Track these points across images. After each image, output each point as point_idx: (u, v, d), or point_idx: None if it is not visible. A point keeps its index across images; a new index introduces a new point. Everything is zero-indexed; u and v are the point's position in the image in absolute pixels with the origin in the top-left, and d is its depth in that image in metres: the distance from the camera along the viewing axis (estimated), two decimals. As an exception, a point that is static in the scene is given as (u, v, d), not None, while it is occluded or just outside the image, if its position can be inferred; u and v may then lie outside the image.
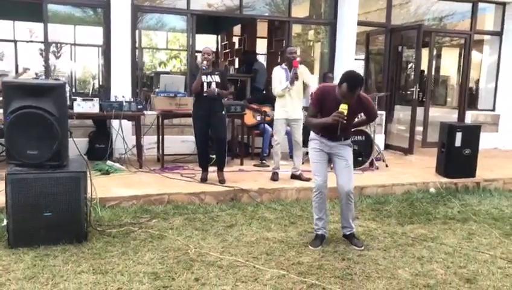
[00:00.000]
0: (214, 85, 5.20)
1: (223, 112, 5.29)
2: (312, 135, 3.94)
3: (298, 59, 5.63)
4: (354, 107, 3.65)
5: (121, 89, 6.53)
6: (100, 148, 6.41)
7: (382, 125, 8.54)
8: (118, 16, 6.58)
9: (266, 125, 6.92)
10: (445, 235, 4.31)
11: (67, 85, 3.61)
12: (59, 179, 3.51)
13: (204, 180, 5.35)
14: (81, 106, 5.73)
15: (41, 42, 11.58)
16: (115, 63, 6.71)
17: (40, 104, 3.45)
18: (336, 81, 4.30)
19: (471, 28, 8.91)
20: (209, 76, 5.20)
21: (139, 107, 5.99)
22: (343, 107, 3.48)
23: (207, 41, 15.26)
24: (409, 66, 9.32)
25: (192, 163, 6.32)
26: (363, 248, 3.78)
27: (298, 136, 5.58)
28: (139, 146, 6.09)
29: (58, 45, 12.76)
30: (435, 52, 10.58)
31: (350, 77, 3.51)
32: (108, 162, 5.83)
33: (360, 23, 8.08)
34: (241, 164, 6.51)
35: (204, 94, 5.20)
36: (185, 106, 6.09)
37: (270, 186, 5.27)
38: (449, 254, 3.80)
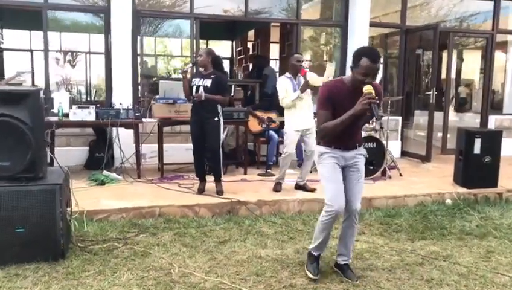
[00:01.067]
0: (201, 89, 4.88)
1: (216, 119, 4.95)
2: (322, 148, 3.22)
3: (306, 67, 5.24)
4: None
5: (122, 96, 6.34)
6: (100, 157, 6.18)
7: (398, 131, 8.10)
8: (118, 21, 6.40)
9: (272, 132, 6.60)
10: (460, 253, 3.89)
11: (41, 92, 3.37)
12: (32, 192, 3.27)
13: (201, 191, 5.06)
14: (76, 114, 5.55)
15: (57, 51, 11.69)
16: (115, 70, 6.53)
17: (12, 112, 3.22)
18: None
19: (493, 28, 8.40)
20: (200, 79, 4.91)
21: (136, 114, 5.76)
22: (368, 88, 2.87)
23: (222, 48, 15.14)
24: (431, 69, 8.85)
25: (194, 172, 6.06)
26: (357, 281, 3.23)
27: (311, 146, 5.13)
28: (137, 155, 5.85)
29: (74, 53, 12.82)
30: (456, 54, 10.12)
31: (366, 50, 2.97)
32: (105, 172, 5.61)
33: (372, 24, 7.70)
34: (245, 173, 6.20)
35: (194, 98, 4.91)
36: (184, 112, 5.81)
37: (270, 197, 4.93)
38: (462, 276, 3.39)
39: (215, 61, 4.97)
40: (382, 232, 4.40)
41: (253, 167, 6.60)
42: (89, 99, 10.44)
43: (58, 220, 3.34)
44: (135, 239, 3.95)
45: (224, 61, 14.30)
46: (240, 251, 3.79)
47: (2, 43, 11.61)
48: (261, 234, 4.21)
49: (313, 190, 5.22)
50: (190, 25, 6.97)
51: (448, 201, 5.33)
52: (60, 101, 5.87)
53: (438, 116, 8.11)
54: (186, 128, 6.57)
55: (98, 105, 6.29)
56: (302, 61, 5.11)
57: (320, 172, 3.26)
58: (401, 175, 6.31)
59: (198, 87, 4.87)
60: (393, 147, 7.87)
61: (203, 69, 4.89)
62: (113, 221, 4.32)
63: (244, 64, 12.47)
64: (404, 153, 8.07)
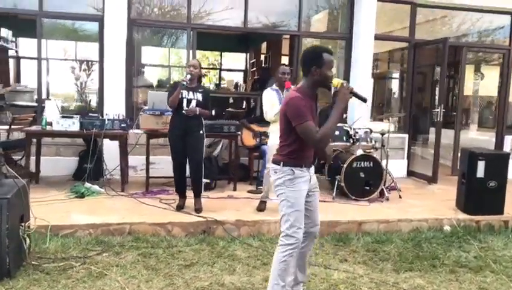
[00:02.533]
0: (194, 103, 4.69)
1: (201, 132, 4.75)
2: (287, 170, 2.83)
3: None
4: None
5: (114, 106, 6.20)
6: (88, 168, 6.04)
7: (404, 149, 7.69)
8: (111, 30, 6.29)
9: (265, 147, 6.31)
10: (448, 288, 3.51)
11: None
12: (-25, 207, 3.08)
13: (180, 208, 4.81)
14: (60, 124, 5.42)
15: (73, 60, 11.76)
16: (107, 79, 6.40)
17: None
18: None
19: (510, 43, 7.95)
20: (191, 92, 4.70)
21: (122, 125, 5.58)
22: (338, 80, 2.77)
23: (236, 59, 15.02)
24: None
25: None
26: None
27: None
28: (122, 167, 5.67)
29: (89, 62, 12.89)
30: (472, 70, 9.65)
31: (322, 47, 2.98)
32: (87, 184, 5.42)
33: (379, 38, 7.37)
34: (234, 189, 5.93)
35: (184, 112, 4.69)
36: (172, 125, 5.60)
37: (250, 217, 4.63)
38: (444, 317, 3.02)
39: (201, 74, 4.81)
40: (367, 260, 4.04)
41: (246, 182, 6.33)
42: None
43: (4, 237, 3.13)
44: (95, 258, 3.72)
45: (238, 73, 14.27)
46: (203, 276, 3.50)
47: (17, 51, 11.75)
48: (232, 258, 3.92)
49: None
50: (187, 36, 6.79)
51: (447, 228, 4.92)
52: (51, 109, 5.80)
53: (450, 134, 7.71)
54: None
55: (94, 114, 6.14)
56: (288, 74, 4.83)
57: (286, 196, 2.86)
58: (400, 197, 5.91)
59: (189, 100, 4.66)
60: (398, 167, 7.49)
61: (188, 82, 4.66)
62: (79, 237, 4.11)
63: (256, 77, 12.34)
64: (410, 173, 7.65)
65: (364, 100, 2.84)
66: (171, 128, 4.83)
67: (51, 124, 5.49)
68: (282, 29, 7.49)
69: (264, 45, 12.31)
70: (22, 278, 3.25)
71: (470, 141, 8.57)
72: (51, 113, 5.64)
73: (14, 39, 11.42)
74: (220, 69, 15.13)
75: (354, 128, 5.98)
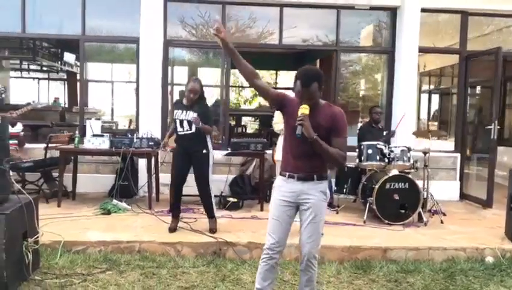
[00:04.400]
0: (186, 123, 4.56)
1: (205, 151, 4.59)
2: (278, 178, 2.98)
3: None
4: (324, 121, 2.76)
5: (149, 126, 6.34)
6: (124, 185, 6.15)
7: (456, 169, 7.05)
8: (147, 51, 6.47)
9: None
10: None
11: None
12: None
13: (173, 230, 4.63)
14: (91, 142, 5.61)
15: (134, 82, 12.38)
16: (142, 99, 6.56)
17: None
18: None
19: None
20: (184, 112, 4.56)
21: (150, 144, 5.65)
22: (304, 107, 2.68)
23: (291, 79, 14.92)
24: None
25: None
26: None
27: None
28: (149, 185, 5.72)
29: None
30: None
31: (301, 72, 2.75)
32: (114, 201, 5.53)
33: (424, 50, 6.91)
34: (261, 209, 5.74)
35: (179, 133, 4.61)
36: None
37: (264, 240, 4.39)
38: None
39: (202, 91, 4.64)
40: (384, 292, 3.66)
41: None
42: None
43: (1, 252, 3.21)
44: (98, 276, 3.71)
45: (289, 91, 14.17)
46: (198, 300, 3.35)
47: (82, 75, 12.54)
48: (237, 282, 3.73)
49: (319, 234, 4.60)
50: (221, 55, 6.80)
51: (489, 259, 4.35)
52: (93, 128, 6.07)
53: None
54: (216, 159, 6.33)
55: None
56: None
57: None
58: (442, 222, 5.37)
59: (181, 121, 4.57)
60: (450, 189, 6.89)
61: (185, 101, 4.59)
62: (89, 254, 4.14)
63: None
64: (464, 196, 6.98)
65: (296, 136, 2.69)
66: (176, 147, 4.78)
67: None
68: (317, 45, 7.25)
69: (318, 62, 12.11)
70: (19, 293, 3.31)
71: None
72: (92, 132, 5.89)
73: (77, 63, 12.26)
74: (276, 88, 15.13)
75: (389, 147, 5.57)
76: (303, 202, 2.87)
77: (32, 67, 13.24)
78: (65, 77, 13.65)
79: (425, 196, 5.51)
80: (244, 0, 6.72)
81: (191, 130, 4.56)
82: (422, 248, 4.39)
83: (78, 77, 11.44)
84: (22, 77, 13.76)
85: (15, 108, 6.17)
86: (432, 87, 11.56)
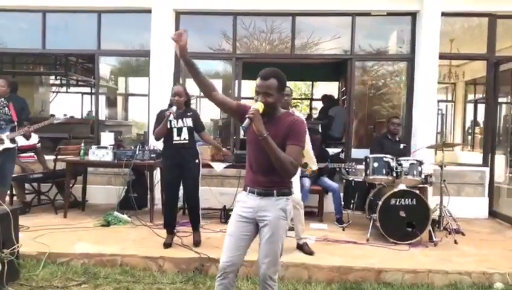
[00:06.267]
0: (185, 130, 4.51)
1: (197, 161, 4.54)
2: (241, 193, 2.83)
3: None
4: (282, 128, 2.59)
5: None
6: (134, 197, 6.20)
7: (484, 185, 6.49)
8: (158, 64, 6.52)
9: (305, 178, 5.83)
10: None
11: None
12: None
13: (168, 245, 4.50)
14: (95, 154, 5.68)
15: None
16: (153, 112, 6.58)
17: None
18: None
19: None
20: (180, 119, 4.50)
21: (151, 156, 5.65)
22: (258, 104, 2.55)
23: (327, 90, 14.62)
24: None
25: (215, 218, 5.87)
26: None
27: (297, 195, 4.37)
28: (151, 197, 5.71)
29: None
30: None
31: (264, 69, 2.66)
32: (115, 213, 5.56)
33: (445, 56, 6.47)
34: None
35: (175, 142, 4.51)
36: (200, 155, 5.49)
37: (251, 257, 4.18)
38: None
39: (188, 97, 4.59)
40: (368, 318, 3.36)
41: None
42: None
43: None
44: (72, 289, 3.69)
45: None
46: (161, 319, 3.23)
47: (117, 89, 12.97)
48: (210, 301, 3.57)
49: (311, 253, 4.34)
50: (232, 66, 6.74)
51: (498, 285, 3.89)
52: (105, 140, 6.22)
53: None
54: (224, 171, 6.22)
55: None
56: (289, 96, 4.29)
57: None
58: (456, 243, 4.91)
59: (179, 129, 4.50)
60: (477, 206, 6.36)
61: (173, 114, 4.50)
62: (73, 266, 4.14)
63: (344, 106, 11.82)
64: (492, 214, 6.40)
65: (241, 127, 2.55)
66: (163, 159, 4.70)
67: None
68: (331, 53, 7.00)
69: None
70: (-11, 304, 3.34)
71: None
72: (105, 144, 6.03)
73: (113, 77, 12.68)
74: (311, 99, 14.91)
75: (397, 160, 5.20)
76: (260, 219, 2.69)
77: (71, 82, 13.81)
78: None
79: (440, 213, 5.10)
80: (256, 10, 6.62)
81: (188, 138, 4.51)
82: (420, 270, 4.01)
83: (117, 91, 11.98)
84: (67, 92, 14.46)
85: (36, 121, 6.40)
86: (480, 96, 10.86)
